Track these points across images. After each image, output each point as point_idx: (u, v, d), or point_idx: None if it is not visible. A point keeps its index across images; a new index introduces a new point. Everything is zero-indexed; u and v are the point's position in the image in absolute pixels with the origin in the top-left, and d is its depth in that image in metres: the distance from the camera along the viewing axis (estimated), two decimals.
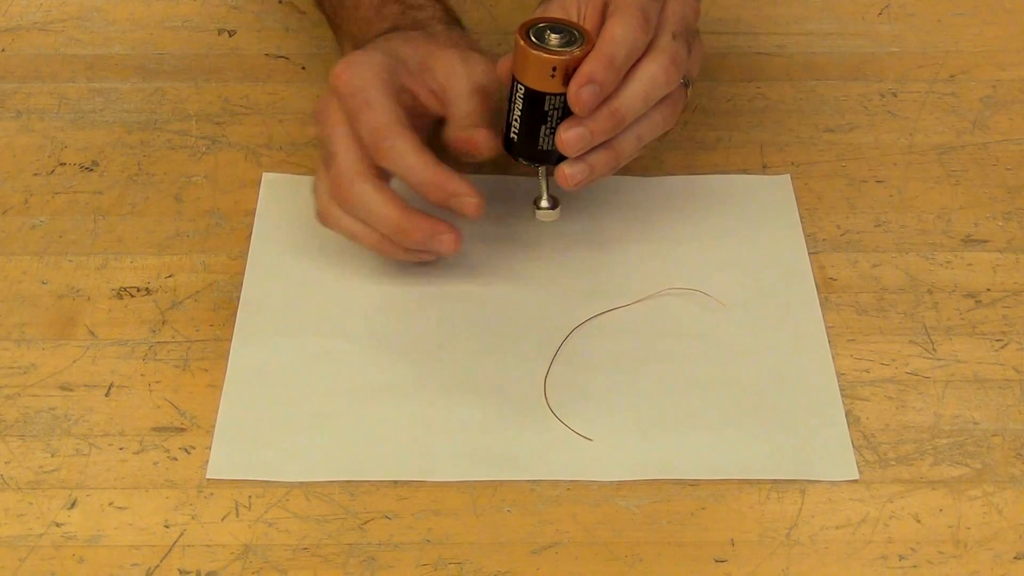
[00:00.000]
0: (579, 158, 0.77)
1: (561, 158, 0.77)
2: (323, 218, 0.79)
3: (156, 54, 0.97)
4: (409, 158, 0.76)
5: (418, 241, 0.77)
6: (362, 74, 0.77)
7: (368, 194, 0.77)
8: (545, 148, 0.77)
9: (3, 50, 0.98)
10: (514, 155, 0.79)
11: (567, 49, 0.75)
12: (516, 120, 0.77)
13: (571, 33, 0.75)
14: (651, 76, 0.76)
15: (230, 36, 0.99)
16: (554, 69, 0.75)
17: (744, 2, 1.01)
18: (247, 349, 0.78)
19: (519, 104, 0.77)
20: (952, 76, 0.96)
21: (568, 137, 0.75)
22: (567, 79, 0.75)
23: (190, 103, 0.93)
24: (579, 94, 0.74)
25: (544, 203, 0.80)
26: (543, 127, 0.77)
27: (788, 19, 1.00)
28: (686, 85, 0.79)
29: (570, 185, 0.77)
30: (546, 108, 0.76)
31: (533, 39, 0.75)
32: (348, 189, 0.77)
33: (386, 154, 0.76)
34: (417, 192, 0.77)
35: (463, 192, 0.77)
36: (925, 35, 0.99)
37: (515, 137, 0.78)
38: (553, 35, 0.75)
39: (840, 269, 0.83)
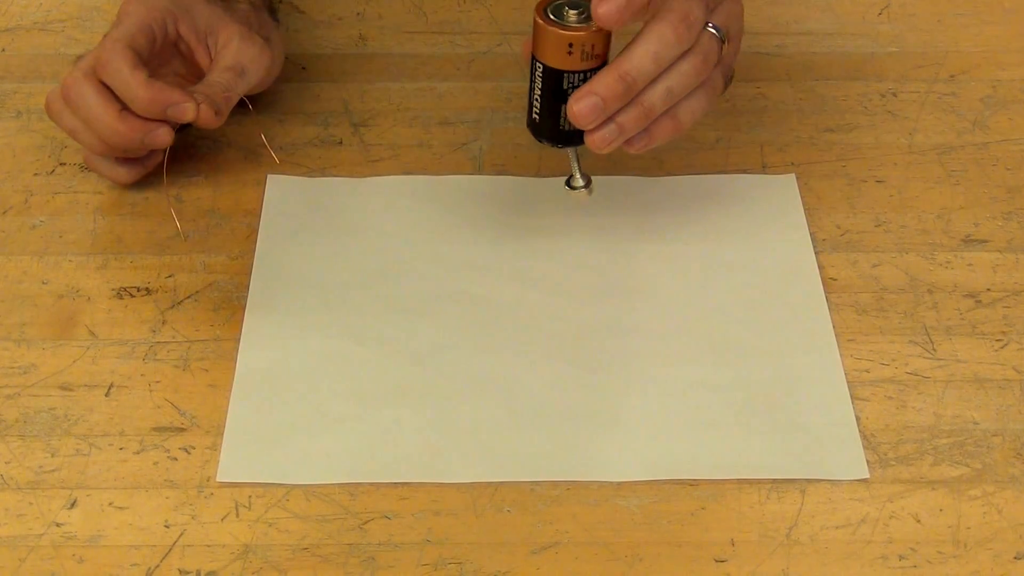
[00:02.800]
0: (607, 120, 0.75)
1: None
2: (49, 110, 0.84)
3: None
4: (125, 73, 0.81)
5: (133, 139, 0.82)
6: (133, 11, 0.84)
7: (88, 93, 0.82)
8: (567, 129, 0.76)
9: (3, 50, 0.98)
10: (538, 137, 0.77)
11: (585, 25, 0.73)
12: (537, 100, 0.76)
13: (589, 8, 0.73)
14: (659, 36, 0.74)
15: None
16: (571, 46, 0.73)
17: (744, 2, 1.01)
18: (255, 352, 0.78)
19: (539, 83, 0.75)
20: (952, 76, 0.96)
21: (579, 109, 0.74)
22: (585, 56, 0.73)
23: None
24: (578, 110, 0.74)
25: (578, 181, 0.78)
26: (563, 106, 0.75)
27: (788, 19, 1.00)
28: (722, 40, 0.77)
29: (602, 148, 0.75)
30: (565, 87, 0.74)
31: (551, 16, 0.74)
32: (73, 87, 0.82)
33: (105, 68, 0.81)
34: (135, 108, 0.82)
35: (177, 100, 0.81)
36: (925, 35, 0.99)
37: (537, 117, 0.76)
38: (571, 11, 0.74)
39: (840, 269, 0.83)
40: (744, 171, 0.89)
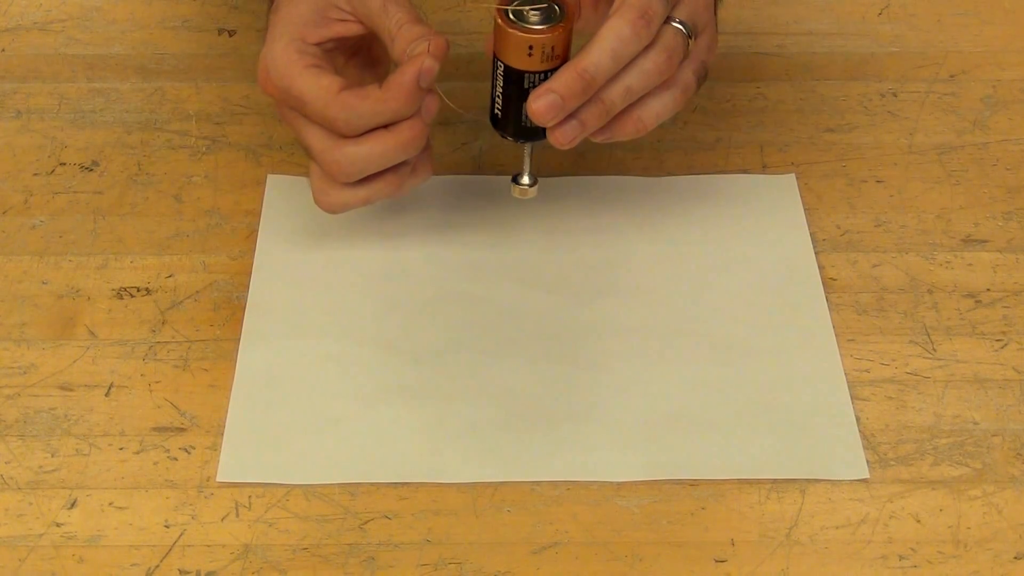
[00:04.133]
0: (569, 116, 0.74)
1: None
2: (335, 206, 0.79)
3: (156, 54, 0.97)
4: (361, 107, 0.75)
5: (423, 130, 0.76)
6: (279, 73, 0.76)
7: (355, 153, 0.76)
8: (528, 125, 0.76)
9: (3, 50, 0.98)
10: (500, 132, 0.77)
11: (545, 27, 0.73)
12: (499, 97, 0.76)
13: (551, 8, 0.73)
14: (616, 32, 0.73)
15: (230, 36, 0.99)
16: (531, 48, 0.73)
17: (744, 2, 1.01)
18: (255, 352, 0.78)
19: (500, 81, 0.75)
20: (952, 76, 0.96)
21: (539, 107, 0.73)
22: (545, 57, 0.73)
23: (190, 103, 0.93)
24: (536, 108, 0.73)
25: (525, 180, 0.78)
26: (524, 104, 0.74)
27: (788, 19, 1.00)
28: (688, 35, 0.75)
29: (564, 144, 0.74)
30: (526, 86, 0.74)
31: (511, 17, 0.74)
32: (340, 168, 0.76)
33: (345, 124, 0.75)
34: (402, 116, 0.75)
35: (415, 71, 0.74)
36: (925, 35, 0.99)
37: (499, 114, 0.76)
38: (532, 12, 0.73)
39: (840, 269, 0.83)
40: (744, 171, 0.89)
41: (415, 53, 0.75)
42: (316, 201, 0.79)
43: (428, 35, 0.76)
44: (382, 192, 0.78)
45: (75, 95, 0.94)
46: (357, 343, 0.79)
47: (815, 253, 0.84)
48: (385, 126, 0.76)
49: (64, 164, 0.89)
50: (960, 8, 1.01)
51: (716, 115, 0.93)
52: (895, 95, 0.95)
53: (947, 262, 0.84)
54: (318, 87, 0.75)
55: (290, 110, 0.77)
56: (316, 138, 0.76)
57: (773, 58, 0.97)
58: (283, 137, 0.91)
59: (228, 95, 0.94)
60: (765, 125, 0.92)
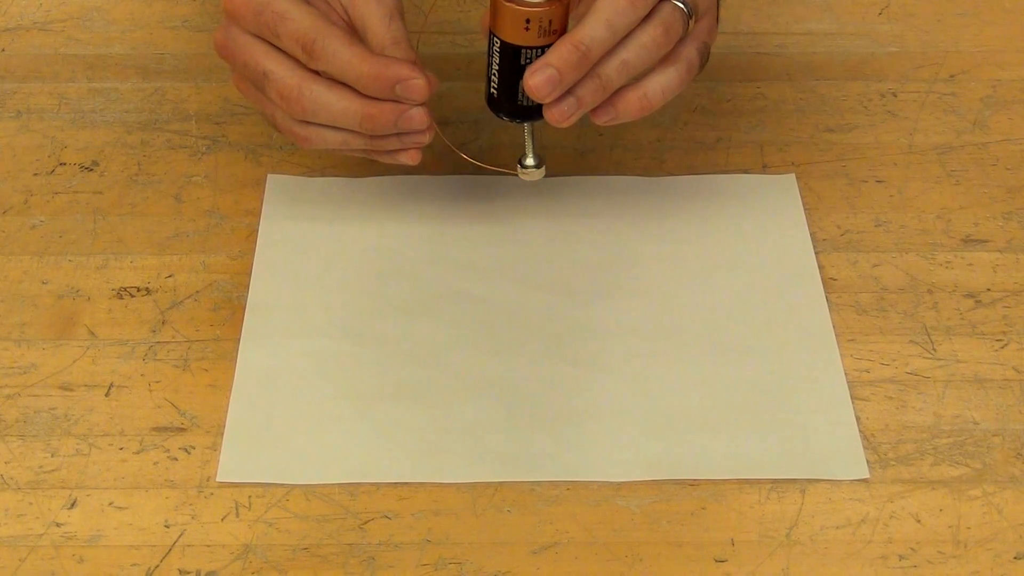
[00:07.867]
0: (565, 93, 0.73)
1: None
2: (313, 141, 0.76)
3: (156, 54, 0.97)
4: (343, 53, 0.72)
5: (388, 123, 0.74)
6: None
7: (321, 95, 0.73)
8: (525, 104, 0.75)
9: (3, 50, 0.98)
10: (496, 112, 0.76)
11: (542, 0, 0.72)
12: (495, 75, 0.75)
13: None
14: (611, 3, 0.72)
15: None
16: (528, 21, 0.72)
17: (744, 2, 1.01)
18: (255, 352, 0.78)
19: (496, 58, 0.74)
20: (952, 76, 0.96)
21: (535, 82, 0.72)
22: (543, 32, 0.72)
23: (190, 103, 0.93)
24: (533, 83, 0.72)
25: (529, 161, 0.77)
26: (521, 82, 0.74)
27: (788, 19, 1.00)
28: (689, 15, 0.74)
29: (562, 122, 0.73)
30: (523, 62, 0.73)
31: None
32: (299, 100, 0.73)
33: (320, 55, 0.72)
34: (358, 87, 0.73)
35: (404, 76, 0.72)
36: (925, 35, 0.99)
37: (495, 92, 0.75)
38: None
39: (840, 269, 0.83)
40: (744, 171, 0.89)
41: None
42: (291, 135, 0.76)
43: (417, 64, 0.74)
44: (356, 145, 0.76)
45: (75, 95, 0.94)
46: (357, 343, 0.79)
47: (815, 253, 0.84)
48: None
49: (64, 164, 0.89)
50: (960, 8, 1.01)
51: (716, 115, 0.93)
52: (895, 95, 0.95)
53: (947, 262, 0.84)
54: (307, 10, 0.73)
55: (245, 33, 0.74)
56: (283, 65, 0.73)
57: (773, 58, 0.97)
58: (283, 137, 0.91)
59: (228, 95, 0.94)
60: (765, 125, 0.92)
